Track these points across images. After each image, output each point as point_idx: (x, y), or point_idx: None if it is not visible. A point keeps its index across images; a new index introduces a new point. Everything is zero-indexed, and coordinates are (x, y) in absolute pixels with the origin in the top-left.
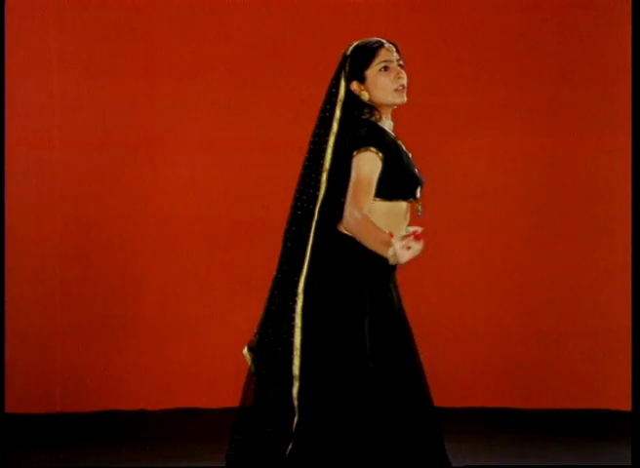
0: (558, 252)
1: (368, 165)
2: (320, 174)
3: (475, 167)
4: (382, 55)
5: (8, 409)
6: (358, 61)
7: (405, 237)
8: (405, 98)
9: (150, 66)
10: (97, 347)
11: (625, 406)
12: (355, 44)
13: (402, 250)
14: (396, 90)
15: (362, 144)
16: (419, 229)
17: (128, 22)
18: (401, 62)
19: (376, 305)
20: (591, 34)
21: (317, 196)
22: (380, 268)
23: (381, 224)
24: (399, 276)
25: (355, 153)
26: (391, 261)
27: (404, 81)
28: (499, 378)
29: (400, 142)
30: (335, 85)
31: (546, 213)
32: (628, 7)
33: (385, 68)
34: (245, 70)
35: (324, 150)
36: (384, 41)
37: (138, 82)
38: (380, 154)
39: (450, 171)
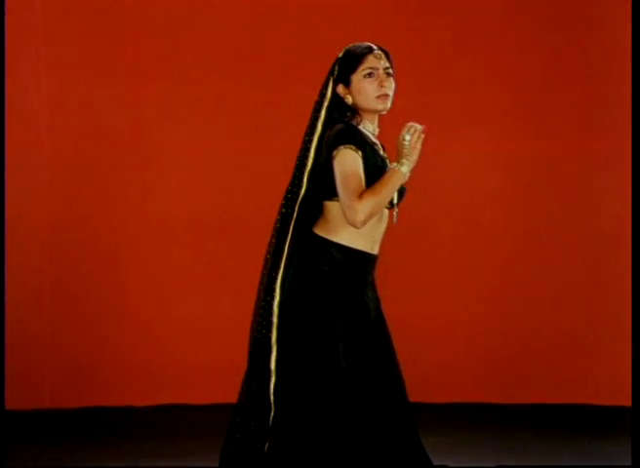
0: (543, 249)
1: (351, 161)
2: (303, 173)
3: (464, 168)
4: (369, 61)
5: None
6: (345, 65)
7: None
8: (387, 106)
9: (138, 67)
10: (85, 344)
11: (613, 400)
12: (347, 47)
13: (404, 164)
14: (378, 97)
15: (340, 143)
16: (405, 136)
17: (117, 23)
18: (389, 71)
19: (350, 307)
20: (587, 34)
21: (300, 194)
22: (353, 271)
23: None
24: (381, 273)
25: (335, 153)
26: (408, 176)
27: (387, 90)
28: (482, 374)
29: (379, 148)
30: (325, 86)
31: (532, 210)
32: (628, 7)
33: (370, 75)
34: (234, 70)
35: (309, 150)
36: (375, 47)
37: (126, 82)
38: (360, 152)
39: (438, 172)
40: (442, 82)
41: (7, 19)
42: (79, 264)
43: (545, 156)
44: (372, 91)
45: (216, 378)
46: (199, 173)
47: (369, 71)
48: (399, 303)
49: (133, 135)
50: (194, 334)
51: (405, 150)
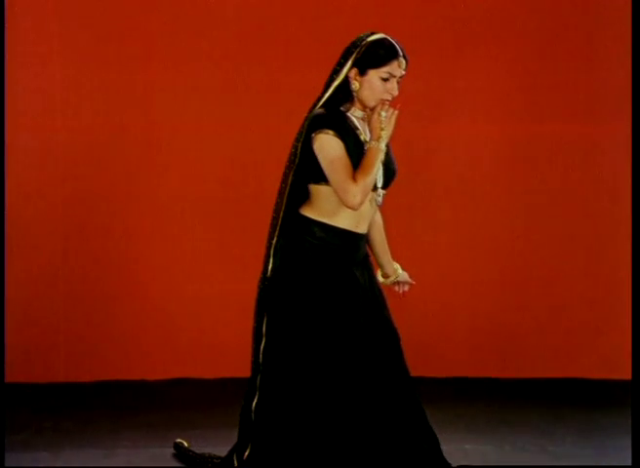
0: (542, 225)
1: (333, 146)
2: (298, 149)
3: (464, 151)
4: (393, 67)
5: (13, 379)
6: (370, 58)
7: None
8: None
9: (148, 53)
10: (99, 320)
11: (613, 374)
12: (380, 38)
13: (383, 139)
14: (381, 99)
15: (318, 126)
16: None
17: (127, 10)
18: (400, 79)
19: (334, 281)
20: (587, 17)
21: (294, 167)
22: (337, 249)
23: (340, 208)
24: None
25: (313, 135)
26: (384, 146)
27: (391, 97)
28: (481, 348)
29: (360, 132)
30: (341, 64)
31: (533, 190)
32: None
33: (387, 79)
34: (241, 55)
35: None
36: (402, 53)
37: (136, 68)
38: (340, 137)
39: (438, 155)
40: (441, 66)
41: (20, 4)
42: (93, 242)
43: (545, 140)
44: (379, 93)
45: (227, 353)
46: (208, 154)
47: (387, 76)
48: None
49: (143, 119)
50: (206, 310)
51: (382, 124)
